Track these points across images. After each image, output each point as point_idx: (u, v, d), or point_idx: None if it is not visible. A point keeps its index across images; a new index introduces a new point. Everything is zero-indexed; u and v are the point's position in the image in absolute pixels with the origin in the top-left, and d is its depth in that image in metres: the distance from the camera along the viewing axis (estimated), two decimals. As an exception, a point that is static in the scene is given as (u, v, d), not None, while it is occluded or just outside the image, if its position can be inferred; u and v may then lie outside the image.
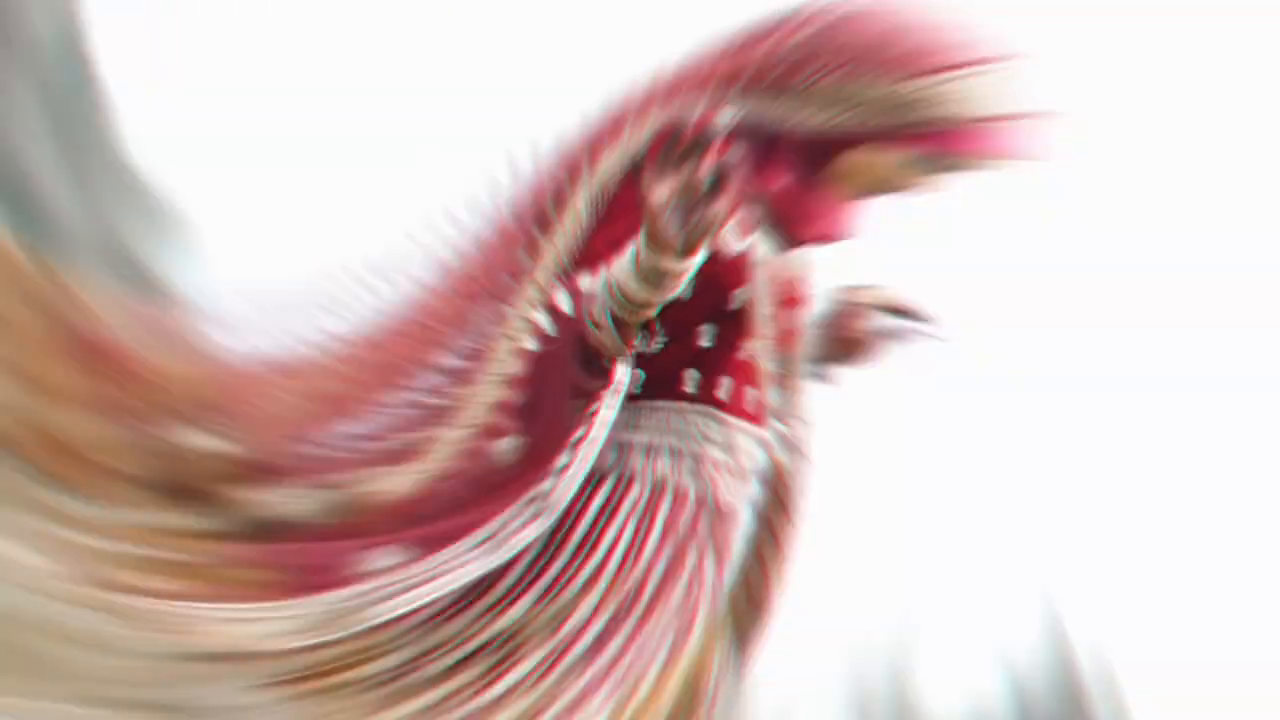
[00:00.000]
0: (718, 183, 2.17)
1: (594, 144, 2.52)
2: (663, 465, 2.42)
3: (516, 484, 2.40)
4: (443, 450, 2.47)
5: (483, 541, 2.36)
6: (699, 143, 2.20)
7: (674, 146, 2.21)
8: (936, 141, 2.38)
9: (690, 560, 2.41)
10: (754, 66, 2.42)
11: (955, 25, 2.39)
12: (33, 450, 2.40)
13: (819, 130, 2.40)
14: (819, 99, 2.38)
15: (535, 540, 2.36)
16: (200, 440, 2.57)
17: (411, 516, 2.43)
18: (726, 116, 2.40)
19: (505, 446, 2.45)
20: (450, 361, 2.54)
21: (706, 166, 2.17)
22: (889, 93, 2.35)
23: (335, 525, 2.46)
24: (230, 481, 2.57)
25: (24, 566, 2.26)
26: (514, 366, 2.46)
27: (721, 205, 2.17)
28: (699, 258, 2.24)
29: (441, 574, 2.35)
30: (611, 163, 2.49)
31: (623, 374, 2.41)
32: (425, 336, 2.57)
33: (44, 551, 2.28)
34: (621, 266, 2.32)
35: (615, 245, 2.39)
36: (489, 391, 2.48)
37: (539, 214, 2.53)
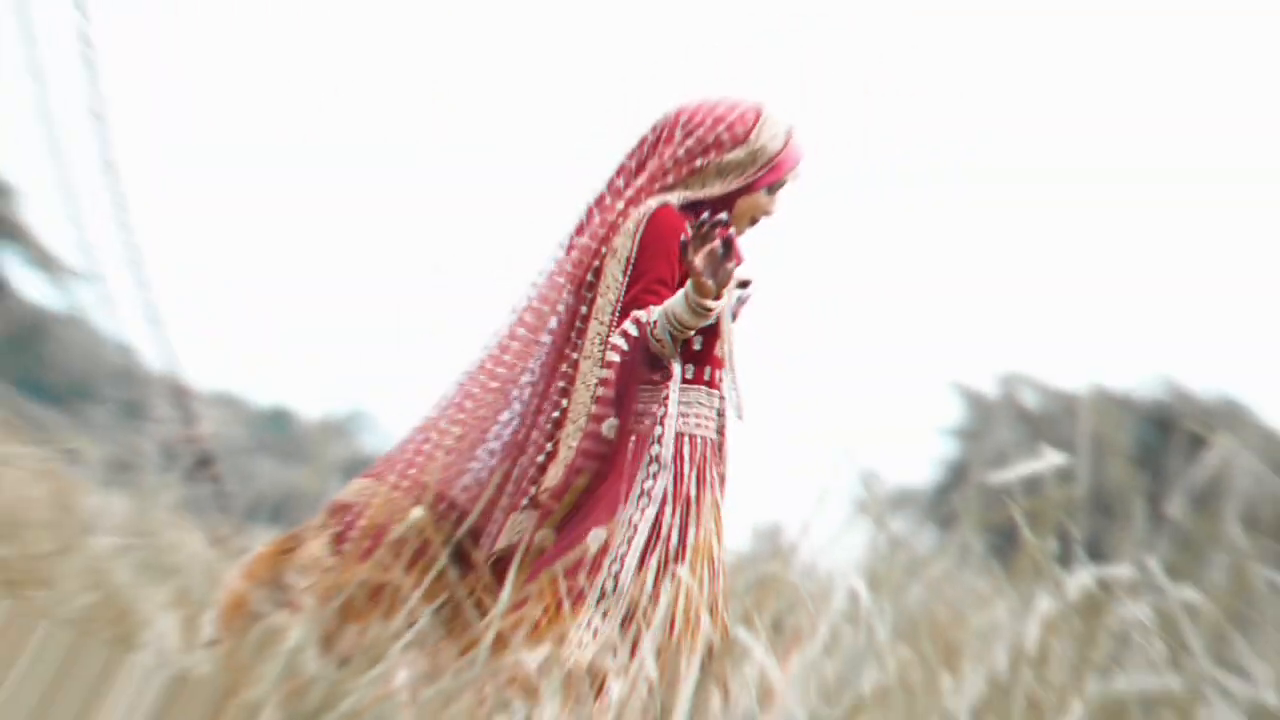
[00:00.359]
0: (728, 251, 3.83)
1: (608, 232, 4.08)
2: (692, 423, 4.05)
3: (625, 454, 3.97)
4: (570, 441, 3.96)
5: (639, 498, 3.93)
6: (712, 229, 3.82)
7: (699, 232, 3.81)
8: (770, 174, 4.13)
9: (713, 476, 4.07)
10: (673, 168, 4.09)
11: (740, 101, 4.18)
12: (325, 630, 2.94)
13: (718, 194, 4.11)
14: (711, 175, 4.10)
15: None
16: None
17: (576, 498, 3.92)
18: (676, 200, 4.07)
19: (608, 427, 3.98)
20: (556, 383, 4.06)
21: (719, 242, 3.82)
22: (735, 158, 4.09)
23: (533, 530, 3.94)
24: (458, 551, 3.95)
25: None
26: (599, 374, 3.98)
27: (732, 265, 3.85)
28: (724, 300, 3.91)
29: (636, 530, 3.91)
30: (622, 243, 4.04)
31: (677, 370, 4.04)
32: (517, 366, 4.14)
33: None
34: (676, 303, 3.89)
35: (646, 290, 4.00)
36: (586, 395, 3.99)
37: (589, 280, 4.08)
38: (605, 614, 3.76)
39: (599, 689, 3.46)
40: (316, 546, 3.99)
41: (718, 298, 3.87)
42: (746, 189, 4.11)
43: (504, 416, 4.15)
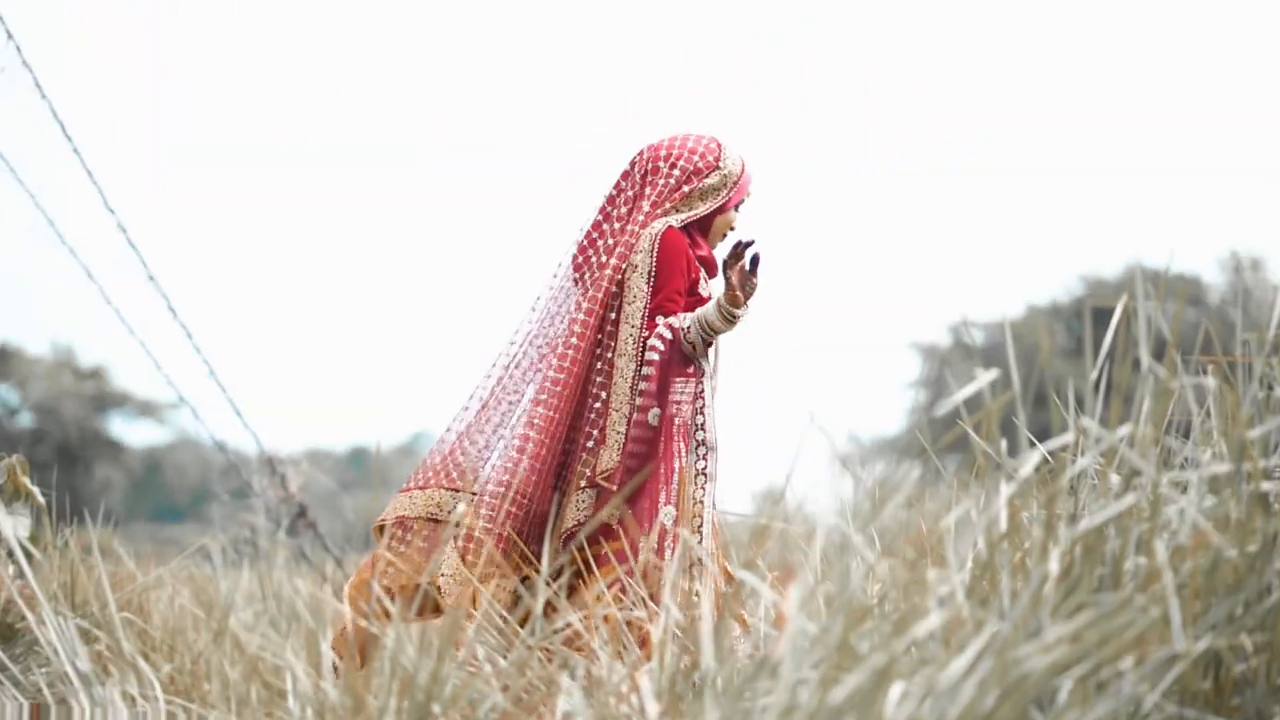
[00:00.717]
0: (754, 266, 4.06)
1: (626, 250, 4.17)
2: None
3: (671, 438, 4.06)
4: (618, 428, 4.02)
5: (697, 476, 4.06)
6: (742, 249, 4.05)
7: (736, 253, 4.04)
8: (736, 194, 4.29)
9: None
10: (667, 195, 4.22)
11: (699, 134, 4.30)
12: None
13: (701, 214, 4.24)
14: (696, 199, 4.24)
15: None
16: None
17: (633, 479, 3.97)
18: (676, 222, 4.19)
19: (653, 416, 4.05)
20: (594, 378, 4.12)
21: (748, 259, 4.05)
22: (711, 182, 4.24)
23: (594, 508, 4.01)
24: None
25: None
26: (635, 371, 4.06)
27: (757, 278, 4.06)
28: (749, 308, 4.08)
29: (703, 505, 4.04)
30: (642, 259, 4.14)
31: (707, 366, 4.16)
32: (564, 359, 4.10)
33: None
34: (709, 311, 4.07)
35: (667, 299, 4.12)
36: (625, 387, 4.05)
37: (614, 290, 4.14)
38: (696, 578, 3.78)
39: (643, 641, 3.47)
40: (395, 561, 3.98)
41: (745, 305, 4.07)
42: (720, 209, 4.26)
43: (530, 413, 4.14)
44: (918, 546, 2.42)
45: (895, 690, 2.06)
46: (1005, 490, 2.58)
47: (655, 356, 4.07)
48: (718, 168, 4.26)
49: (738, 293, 4.04)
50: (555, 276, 4.30)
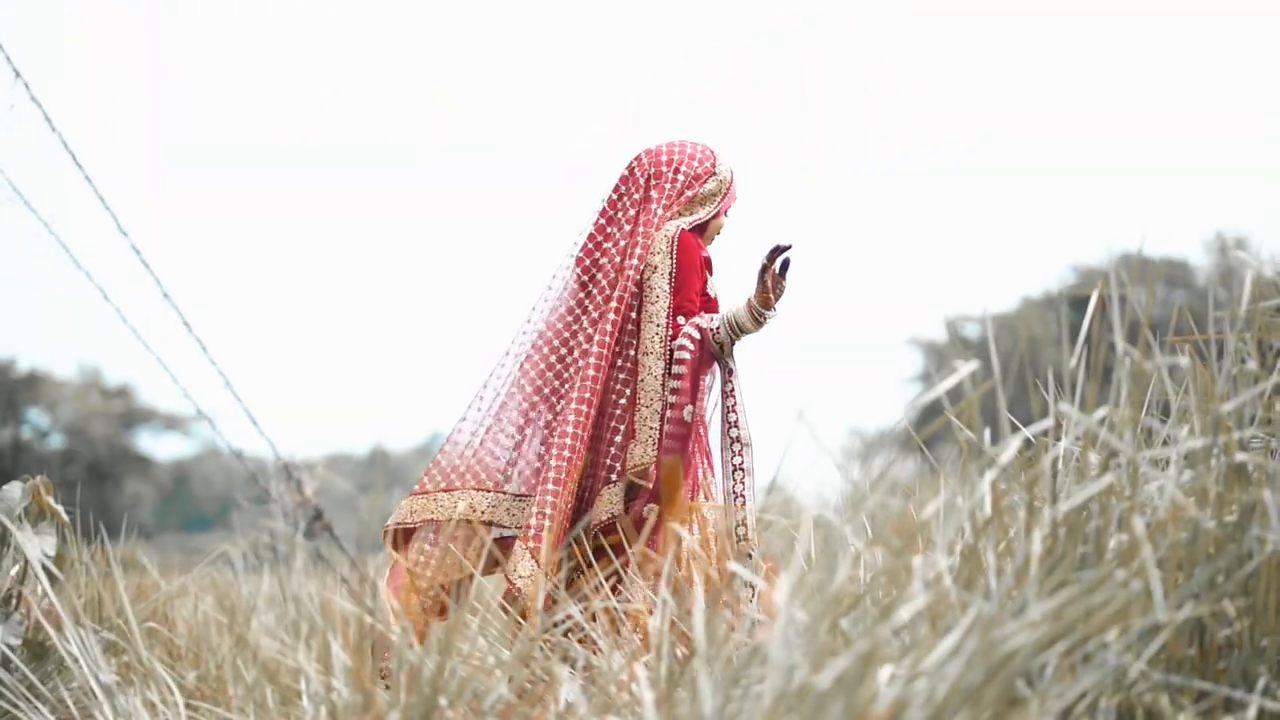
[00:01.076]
0: (783, 270, 4.09)
1: (643, 253, 4.17)
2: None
3: (701, 435, 4.12)
4: (650, 423, 4.02)
5: (734, 471, 4.09)
6: (779, 252, 4.06)
7: (771, 254, 4.06)
8: (727, 200, 4.31)
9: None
10: (674, 200, 4.24)
11: (693, 141, 4.32)
12: None
13: (702, 219, 4.25)
14: (698, 204, 4.26)
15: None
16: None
17: (674, 472, 4.01)
18: (685, 225, 4.21)
19: (688, 413, 4.06)
20: (616, 375, 4.11)
21: (778, 263, 4.07)
22: (710, 188, 4.28)
23: (624, 503, 4.01)
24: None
25: None
26: (664, 369, 4.07)
27: (786, 281, 4.10)
28: (777, 311, 4.12)
29: (745, 499, 4.07)
30: (662, 261, 4.15)
31: (734, 364, 4.16)
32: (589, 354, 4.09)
33: None
34: (739, 312, 4.11)
35: (687, 299, 4.14)
36: (654, 384, 4.05)
37: (634, 290, 4.15)
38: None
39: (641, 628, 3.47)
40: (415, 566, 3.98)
41: (774, 307, 4.13)
42: (715, 214, 4.28)
43: (539, 408, 4.15)
44: (904, 533, 2.42)
45: (882, 673, 2.07)
46: (988, 475, 2.58)
47: (686, 355, 4.09)
48: (714, 173, 4.31)
49: (771, 295, 4.08)
50: (555, 278, 4.28)
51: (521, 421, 4.16)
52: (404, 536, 4.10)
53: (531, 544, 3.88)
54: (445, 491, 4.10)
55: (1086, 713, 2.34)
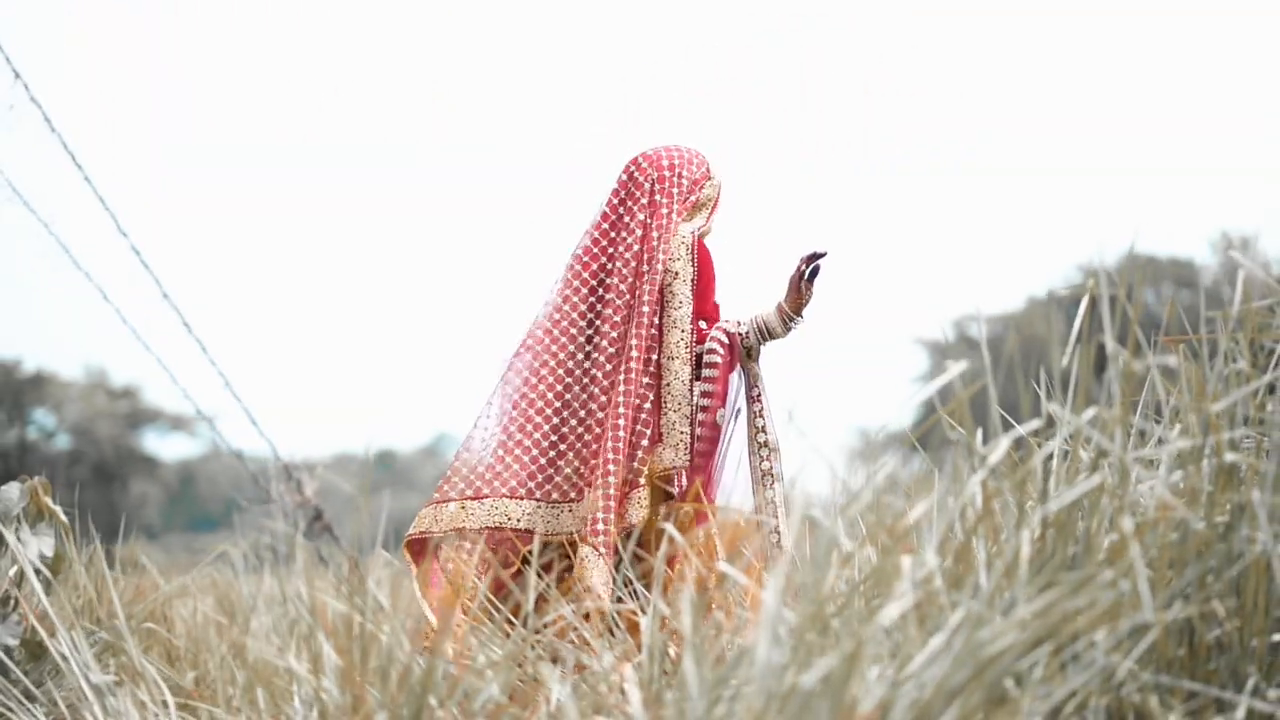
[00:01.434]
0: (812, 277, 4.13)
1: (664, 257, 4.15)
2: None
3: (725, 439, 4.10)
4: (681, 427, 4.04)
5: (764, 477, 4.12)
6: (816, 258, 4.10)
7: (808, 260, 4.12)
8: (716, 205, 4.34)
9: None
10: (681, 204, 4.24)
11: (692, 151, 4.31)
12: None
13: (702, 223, 4.26)
14: (698, 208, 4.28)
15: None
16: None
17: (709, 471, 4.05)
18: (696, 228, 4.26)
19: (720, 416, 4.08)
20: (640, 379, 4.06)
21: (809, 272, 4.11)
22: (708, 193, 4.29)
23: (654, 506, 4.00)
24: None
25: None
26: (690, 374, 4.09)
27: (813, 289, 4.15)
28: (804, 317, 4.19)
29: (775, 505, 4.08)
30: (683, 267, 4.18)
31: (758, 369, 4.18)
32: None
33: None
34: (769, 317, 4.18)
35: (707, 305, 4.20)
36: (681, 388, 4.06)
37: (661, 299, 4.13)
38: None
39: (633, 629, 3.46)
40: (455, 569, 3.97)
41: (803, 311, 4.20)
42: (708, 218, 4.31)
43: (563, 414, 4.14)
44: (893, 533, 2.42)
45: (866, 672, 2.07)
46: (977, 474, 2.58)
47: (717, 360, 4.14)
48: (710, 178, 4.33)
49: (803, 300, 4.15)
50: (567, 284, 4.25)
51: (547, 428, 4.13)
52: (420, 545, 4.05)
53: (602, 547, 3.86)
54: (474, 499, 4.07)
55: (1075, 713, 2.34)
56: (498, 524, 4.02)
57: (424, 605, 3.83)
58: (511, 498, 4.05)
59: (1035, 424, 2.72)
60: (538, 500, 4.06)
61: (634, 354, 4.07)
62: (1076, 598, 2.27)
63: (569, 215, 4.39)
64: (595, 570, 3.83)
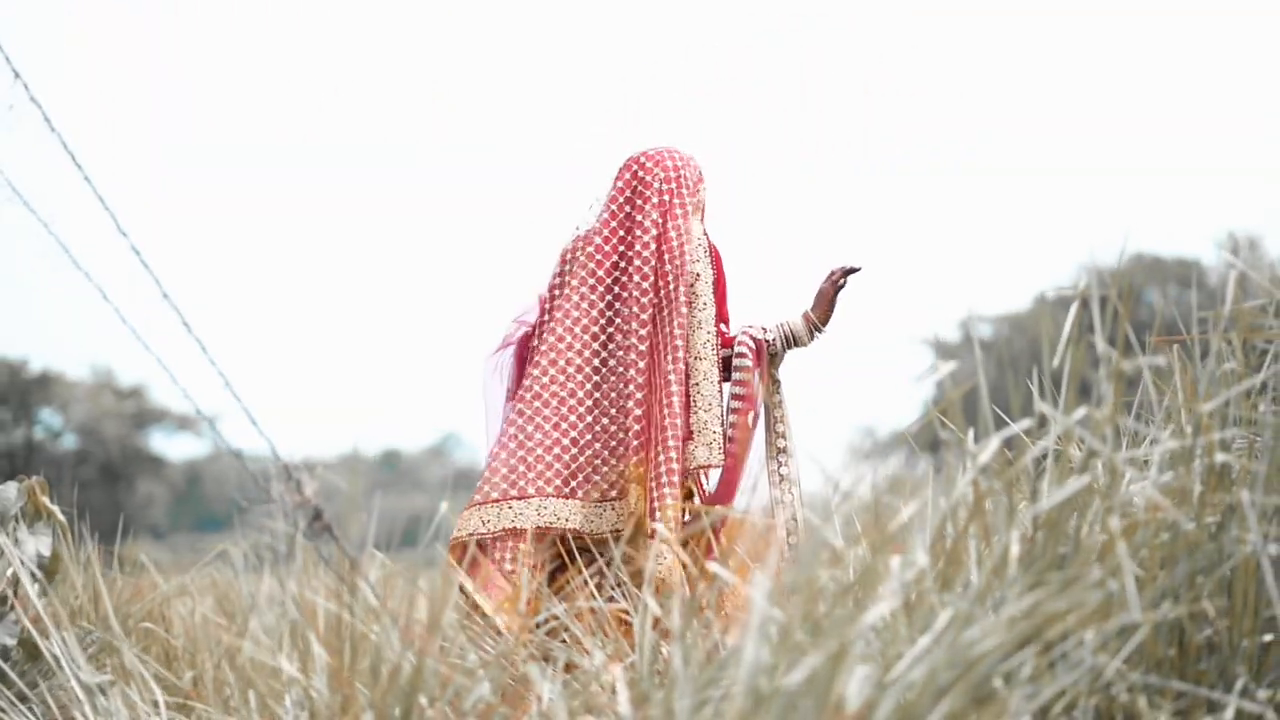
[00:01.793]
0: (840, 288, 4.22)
1: (688, 257, 4.16)
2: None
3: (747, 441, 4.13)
4: (713, 426, 4.06)
5: (781, 481, 4.14)
6: (850, 271, 4.24)
7: (842, 273, 4.24)
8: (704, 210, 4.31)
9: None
10: (688, 202, 4.24)
11: (686, 153, 4.31)
12: None
13: (703, 227, 4.26)
14: (698, 208, 4.27)
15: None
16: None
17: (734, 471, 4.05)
18: (699, 230, 4.28)
19: (752, 418, 4.10)
20: (664, 378, 4.06)
21: (838, 283, 4.23)
22: (701, 197, 4.28)
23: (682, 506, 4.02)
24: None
25: None
26: (717, 375, 4.12)
27: (837, 301, 4.23)
28: (826, 330, 4.25)
29: (792, 508, 4.11)
30: (704, 269, 4.23)
31: (779, 375, 4.24)
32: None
33: None
34: (796, 324, 4.25)
35: (725, 307, 4.26)
36: (711, 389, 4.08)
37: (683, 301, 4.13)
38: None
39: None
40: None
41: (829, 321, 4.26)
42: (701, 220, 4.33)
43: (595, 412, 4.15)
44: (884, 532, 2.42)
45: (852, 672, 2.07)
46: (967, 474, 2.58)
47: (748, 363, 4.20)
48: (702, 180, 4.34)
49: (821, 307, 4.23)
50: (583, 282, 4.23)
51: (581, 426, 4.13)
52: (462, 548, 4.04)
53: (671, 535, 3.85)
54: (519, 499, 4.06)
55: (1064, 713, 2.34)
56: (548, 524, 4.02)
57: (484, 604, 3.86)
58: (558, 497, 4.06)
59: (1026, 424, 2.72)
60: (580, 499, 4.06)
61: (680, 353, 4.09)
62: (1064, 597, 2.27)
63: (569, 215, 4.38)
64: (664, 563, 3.81)
